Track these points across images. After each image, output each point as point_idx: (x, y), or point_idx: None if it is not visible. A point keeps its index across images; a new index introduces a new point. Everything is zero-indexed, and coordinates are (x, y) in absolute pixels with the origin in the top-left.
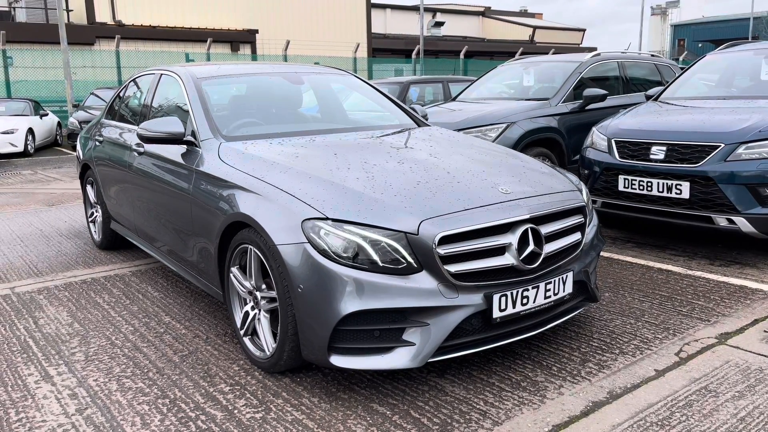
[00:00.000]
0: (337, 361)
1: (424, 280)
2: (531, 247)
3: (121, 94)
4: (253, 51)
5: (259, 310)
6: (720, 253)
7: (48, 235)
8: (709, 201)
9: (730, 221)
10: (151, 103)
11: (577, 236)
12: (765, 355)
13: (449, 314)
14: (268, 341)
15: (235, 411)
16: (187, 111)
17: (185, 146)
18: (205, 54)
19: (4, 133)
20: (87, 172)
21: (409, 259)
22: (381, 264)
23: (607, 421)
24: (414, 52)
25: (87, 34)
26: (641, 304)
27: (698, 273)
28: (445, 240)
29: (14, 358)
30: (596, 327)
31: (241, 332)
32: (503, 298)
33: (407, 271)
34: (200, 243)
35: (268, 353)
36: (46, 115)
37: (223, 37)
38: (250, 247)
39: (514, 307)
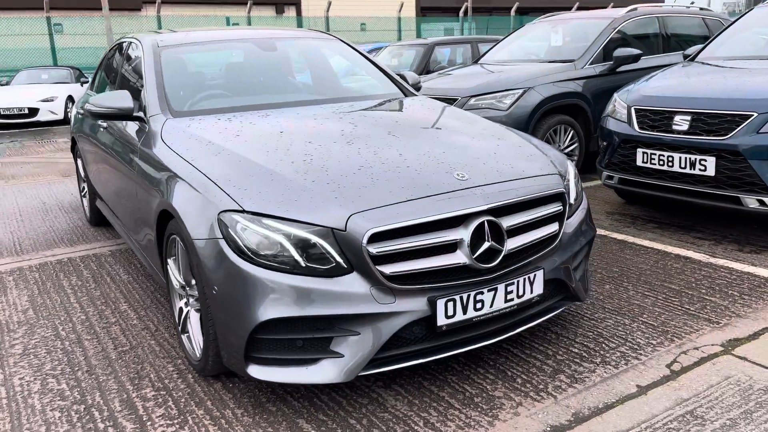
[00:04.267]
0: (255, 371)
1: (354, 283)
2: (487, 243)
3: (102, 64)
4: (298, 13)
5: (190, 308)
6: (753, 237)
7: (49, 209)
8: (737, 179)
9: (762, 203)
10: (120, 74)
11: (553, 228)
12: None
13: (384, 322)
14: (197, 342)
15: (148, 423)
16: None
17: (137, 123)
18: (246, 18)
19: (44, 101)
20: (75, 146)
21: (338, 258)
22: (304, 264)
23: None
24: (462, 11)
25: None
26: (643, 299)
27: (722, 261)
28: (378, 237)
29: None
30: (583, 328)
31: (180, 329)
32: (450, 303)
33: (335, 272)
34: (145, 229)
35: (198, 355)
36: (87, 82)
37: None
38: (177, 239)
39: (465, 312)
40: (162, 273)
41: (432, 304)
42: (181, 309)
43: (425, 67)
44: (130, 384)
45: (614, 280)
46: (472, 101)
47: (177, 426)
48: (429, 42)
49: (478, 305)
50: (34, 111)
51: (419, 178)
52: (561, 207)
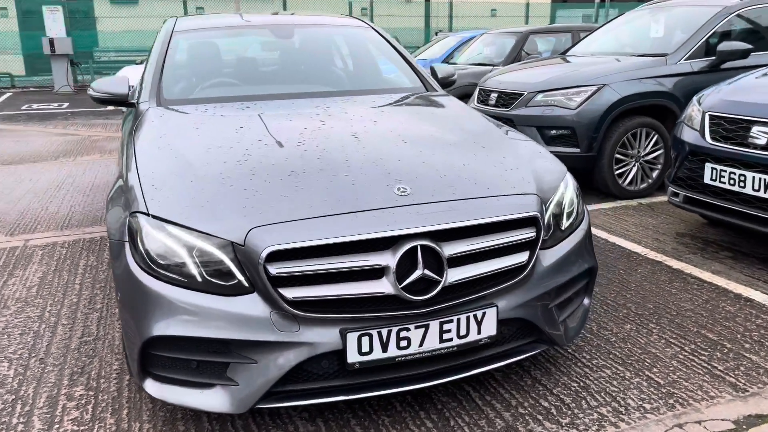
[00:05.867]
0: (152, 388)
1: (253, 305)
2: (419, 272)
3: None
4: None
5: None
6: None
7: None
8: None
9: None
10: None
11: (520, 258)
12: None
13: (284, 352)
14: None
15: (56, 426)
16: None
17: (132, 109)
18: (367, 1)
19: None
20: None
21: (239, 276)
22: (201, 279)
23: None
24: None
25: None
26: (665, 348)
27: None
28: (280, 255)
29: None
30: (570, 376)
31: None
32: (365, 338)
33: (237, 291)
34: None
35: None
36: None
37: None
38: None
39: (385, 350)
40: None
41: (343, 338)
42: None
43: (516, 58)
44: (68, 380)
45: (641, 319)
46: (539, 97)
47: None
48: (523, 30)
49: (403, 343)
50: None
51: (350, 190)
52: (534, 234)
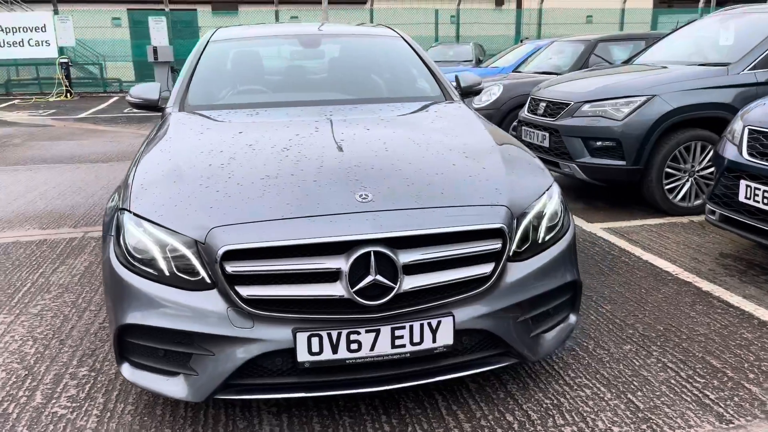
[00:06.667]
0: (127, 372)
1: (212, 301)
2: (371, 277)
3: None
4: (519, 5)
5: None
6: None
7: None
8: None
9: None
10: None
11: (484, 269)
12: None
13: (238, 347)
14: None
15: (53, 401)
16: None
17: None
18: (455, 9)
19: None
20: None
21: (202, 272)
22: (168, 274)
23: None
24: (701, 1)
25: None
26: (658, 373)
27: None
28: (236, 255)
29: None
30: (546, 392)
31: None
32: (315, 339)
33: (199, 286)
34: None
35: None
36: None
37: None
38: None
39: (335, 352)
40: None
41: (294, 337)
42: None
43: (583, 66)
44: (77, 361)
45: (645, 341)
46: (586, 107)
47: (70, 410)
48: (592, 39)
49: (353, 346)
50: None
51: (313, 195)
52: (500, 245)
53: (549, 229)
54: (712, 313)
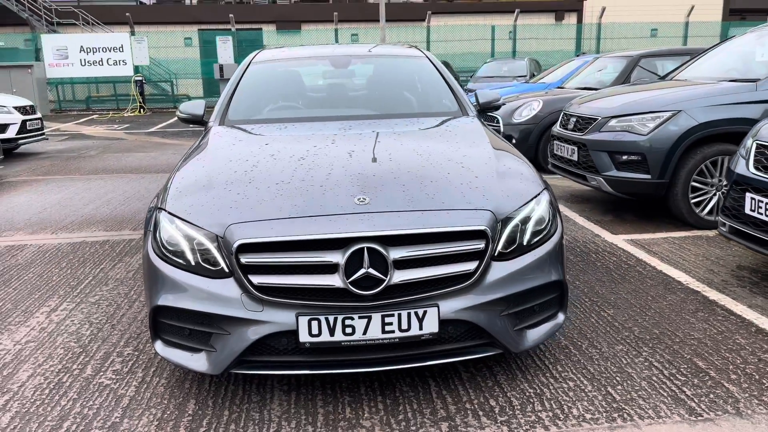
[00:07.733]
0: (159, 348)
1: (229, 287)
2: (363, 270)
3: None
4: (579, 20)
5: None
6: None
7: None
8: None
9: None
10: None
11: (468, 266)
12: None
13: (250, 327)
14: None
15: (99, 374)
16: None
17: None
18: (511, 26)
19: None
20: None
21: (222, 263)
22: (194, 263)
23: None
24: None
25: (419, 11)
26: (643, 370)
27: None
28: (249, 248)
29: (55, 291)
30: (531, 382)
31: None
32: (315, 322)
33: (219, 275)
34: None
35: None
36: None
37: (545, 7)
38: None
39: (332, 334)
40: None
41: (297, 320)
42: None
43: (625, 82)
44: (124, 342)
45: (638, 342)
46: (612, 122)
47: (114, 380)
48: (634, 54)
49: (348, 330)
50: None
51: (318, 198)
52: (482, 245)
53: (535, 233)
54: (711, 320)
